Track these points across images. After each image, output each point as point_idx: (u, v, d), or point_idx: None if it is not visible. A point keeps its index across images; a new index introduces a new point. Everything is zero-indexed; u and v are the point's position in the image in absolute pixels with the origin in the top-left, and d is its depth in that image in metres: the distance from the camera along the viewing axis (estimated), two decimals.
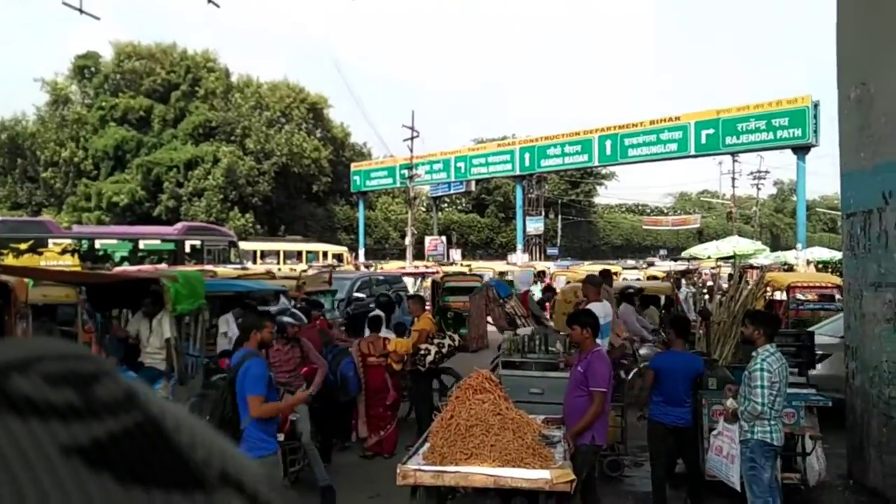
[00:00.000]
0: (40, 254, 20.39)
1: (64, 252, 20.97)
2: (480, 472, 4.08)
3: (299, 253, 32.49)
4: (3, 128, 43.27)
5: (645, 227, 68.28)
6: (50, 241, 21.98)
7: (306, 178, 48.01)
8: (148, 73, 45.73)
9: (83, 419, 0.29)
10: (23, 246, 20.16)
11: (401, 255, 43.24)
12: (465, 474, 4.10)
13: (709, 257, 25.06)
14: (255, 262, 29.67)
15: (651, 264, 35.42)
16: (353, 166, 47.53)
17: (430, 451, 4.36)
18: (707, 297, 14.56)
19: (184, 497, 0.29)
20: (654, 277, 21.59)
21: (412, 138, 37.04)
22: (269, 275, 13.12)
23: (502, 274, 27.29)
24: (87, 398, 0.30)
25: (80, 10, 15.63)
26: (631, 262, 41.50)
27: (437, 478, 4.15)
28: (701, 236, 62.18)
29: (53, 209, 42.60)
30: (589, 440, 4.98)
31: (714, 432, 5.52)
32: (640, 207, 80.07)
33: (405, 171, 38.47)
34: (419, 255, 41.98)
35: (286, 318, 6.78)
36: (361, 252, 42.83)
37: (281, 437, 5.85)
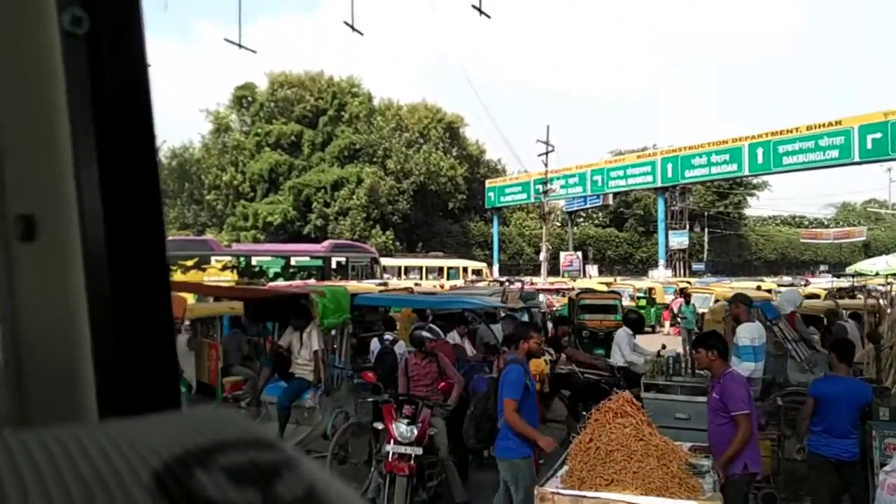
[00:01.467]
0: (204, 270, 22.36)
1: (224, 268, 22.89)
2: (622, 500, 3.91)
3: (440, 269, 33.28)
4: (173, 155, 48.04)
5: (803, 240, 63.21)
6: (212, 258, 24.03)
7: (443, 195, 49.18)
8: (298, 100, 49.03)
9: None
10: (188, 263, 22.20)
11: (535, 271, 42.97)
12: (606, 501, 3.95)
13: (877, 273, 22.67)
14: (398, 277, 30.72)
15: (807, 282, 32.58)
16: (488, 182, 48.01)
17: (568, 475, 4.25)
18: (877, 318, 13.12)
19: None
20: (814, 296, 19.86)
21: (547, 153, 36.85)
22: (409, 290, 13.52)
23: (650, 290, 26.28)
24: (270, 498, 0.29)
25: (240, 45, 17.04)
26: (787, 279, 38.45)
27: (576, 502, 4.03)
28: (868, 250, 56.50)
29: (215, 229, 46.56)
30: (741, 469, 4.65)
31: (886, 468, 4.95)
32: (797, 219, 74.16)
33: (539, 186, 38.28)
34: (554, 270, 41.47)
35: (424, 333, 6.91)
36: (496, 268, 43.03)
37: (419, 450, 5.96)
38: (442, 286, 26.86)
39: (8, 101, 0.59)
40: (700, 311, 16.91)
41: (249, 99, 50.80)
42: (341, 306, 8.39)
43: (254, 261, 26.00)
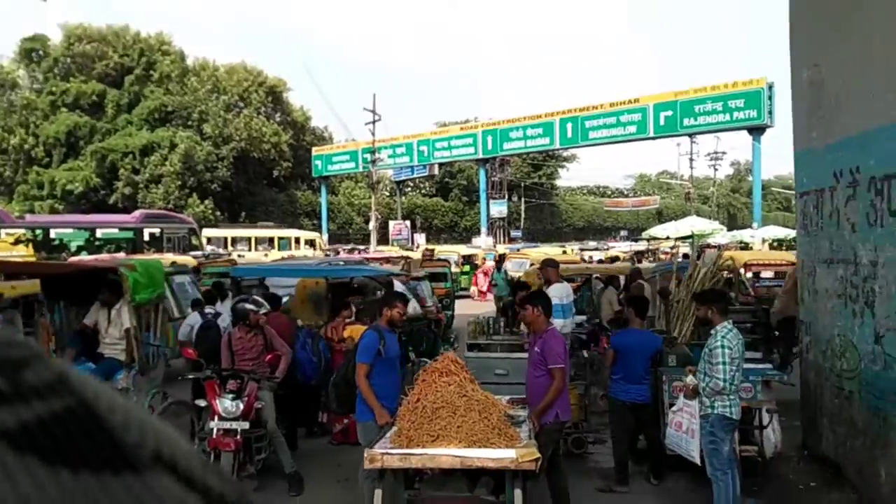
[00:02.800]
0: None
1: (17, 242, 20.29)
2: (447, 454, 4.11)
3: (271, 239, 32.09)
4: None
5: (606, 208, 69.13)
6: (1, 231, 21.28)
7: (266, 163, 47.31)
8: (100, 56, 44.34)
9: (11, 404, 0.30)
10: None
11: (365, 240, 43.03)
12: (432, 456, 4.13)
13: (668, 237, 25.55)
14: (225, 248, 29.21)
15: (605, 248, 35.97)
16: (315, 150, 46.97)
17: (396, 435, 4.38)
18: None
19: (114, 477, 0.29)
20: (616, 258, 21.95)
21: (374, 122, 36.76)
22: (232, 262, 12.96)
23: (467, 257, 27.51)
24: (16, 383, 0.31)
25: None
26: (592, 244, 42.06)
27: (404, 461, 4.17)
28: (660, 217, 63.20)
29: (3, 198, 41.22)
30: (553, 417, 5.06)
31: (674, 408, 5.66)
32: (601, 189, 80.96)
33: (367, 156, 38.22)
34: (383, 239, 41.81)
35: (248, 306, 6.68)
36: (325, 237, 42.52)
37: (245, 424, 5.82)
38: (267, 256, 25.99)
39: None
40: (515, 274, 17.98)
41: (41, 53, 45.06)
42: (155, 280, 7.86)
43: (52, 233, 23.37)
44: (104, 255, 18.74)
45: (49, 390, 0.31)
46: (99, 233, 24.34)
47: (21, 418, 0.30)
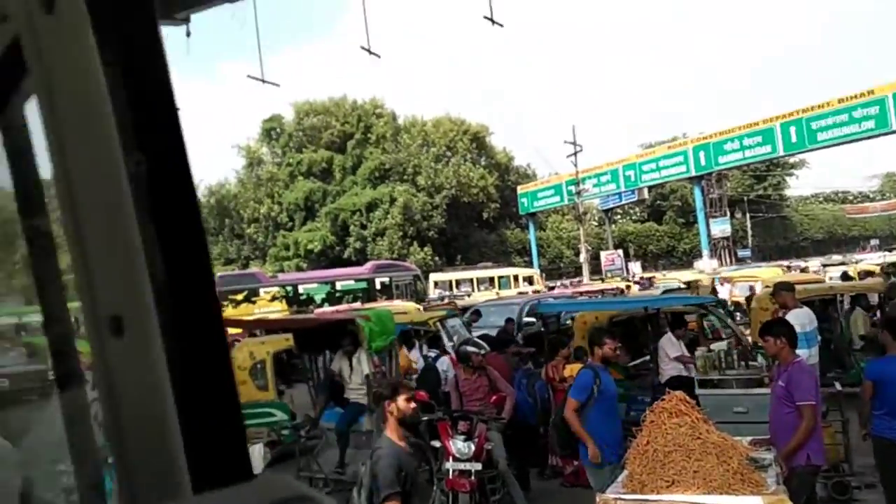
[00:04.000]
0: (254, 302, 22.82)
1: (273, 299, 23.31)
2: (685, 500, 3.90)
3: (491, 279, 33.21)
4: (210, 193, 49.28)
5: (849, 215, 61.48)
6: (261, 290, 24.53)
7: (476, 206, 49.29)
8: (325, 126, 49.86)
9: None
10: (239, 297, 22.69)
11: (577, 273, 42.62)
12: (669, 503, 3.95)
13: None
14: (450, 290, 30.74)
15: (853, 261, 31.61)
16: (520, 189, 47.94)
17: (628, 479, 4.26)
18: None
19: None
20: (870, 273, 19.26)
21: (575, 153, 36.68)
22: (454, 305, 13.62)
23: (689, 283, 25.93)
24: None
25: (263, 81, 17.46)
26: (837, 257, 37.32)
27: None
28: None
29: (259, 261, 47.45)
30: (804, 460, 4.59)
31: None
32: (840, 195, 72.16)
33: (572, 188, 38.08)
34: (596, 270, 41.09)
35: (469, 348, 6.97)
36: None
37: (478, 465, 6.01)
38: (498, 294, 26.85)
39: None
40: (735, 298, 16.63)
41: (278, 130, 51.86)
42: (387, 328, 8.50)
43: (300, 288, 26.50)
44: (343, 306, 20.73)
45: None
46: (338, 285, 27.09)
47: None
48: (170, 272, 0.64)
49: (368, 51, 17.29)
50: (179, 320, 0.66)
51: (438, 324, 10.86)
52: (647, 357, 9.10)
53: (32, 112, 0.78)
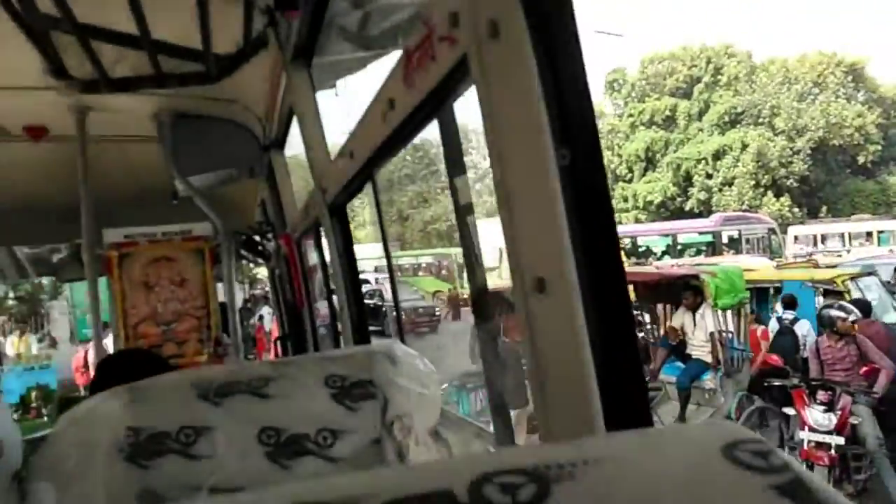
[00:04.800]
0: None
1: None
2: None
3: (868, 234, 28.49)
4: None
5: None
6: None
7: (849, 149, 42.33)
8: (670, 73, 47.58)
9: None
10: None
11: None
12: None
13: None
14: (814, 246, 27.44)
15: None
16: None
17: None
18: None
19: None
20: None
21: None
22: (814, 264, 12.23)
23: None
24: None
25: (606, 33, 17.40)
26: None
27: None
28: None
29: None
30: None
31: None
32: None
33: None
34: None
35: (833, 312, 6.26)
36: None
37: (840, 440, 5.47)
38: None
39: None
40: None
41: (620, 82, 51.17)
42: (735, 286, 8.09)
43: (639, 241, 26.27)
44: (684, 259, 20.03)
45: None
46: (680, 238, 26.13)
47: None
48: (586, 243, 0.83)
49: None
50: (593, 283, 0.84)
51: (849, 282, 9.66)
52: None
53: (460, 109, 1.04)
